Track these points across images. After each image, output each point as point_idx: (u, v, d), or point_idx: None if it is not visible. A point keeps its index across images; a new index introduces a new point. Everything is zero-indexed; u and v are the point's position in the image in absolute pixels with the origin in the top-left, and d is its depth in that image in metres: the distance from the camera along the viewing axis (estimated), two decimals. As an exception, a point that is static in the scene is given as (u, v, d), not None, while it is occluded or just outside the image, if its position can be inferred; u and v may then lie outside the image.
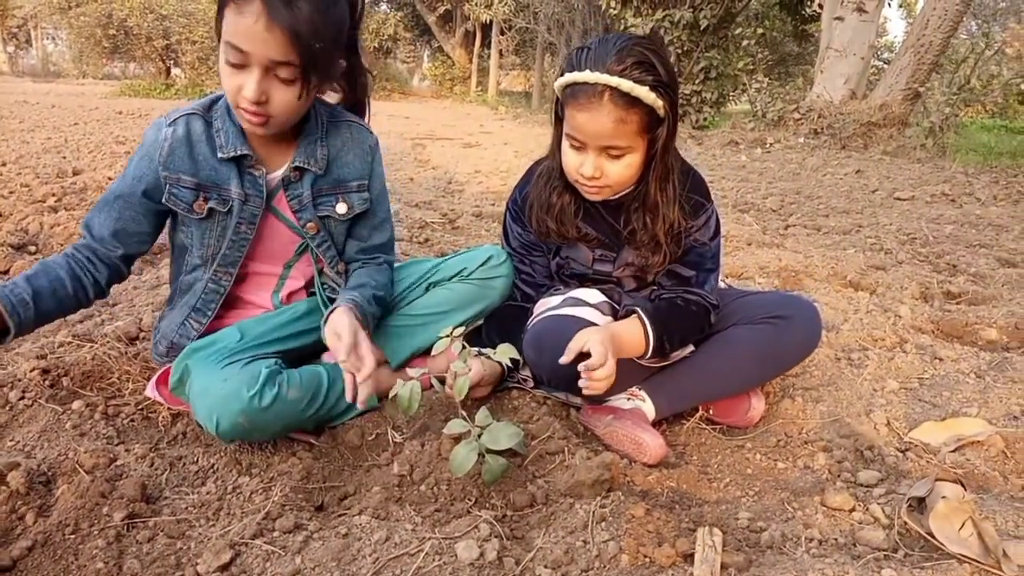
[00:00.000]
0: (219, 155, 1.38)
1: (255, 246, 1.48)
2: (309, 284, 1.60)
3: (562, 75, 1.37)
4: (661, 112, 1.34)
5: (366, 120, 1.59)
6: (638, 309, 1.46)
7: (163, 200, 1.38)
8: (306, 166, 1.44)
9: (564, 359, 1.32)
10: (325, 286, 1.57)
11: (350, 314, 1.36)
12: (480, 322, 1.70)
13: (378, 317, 1.52)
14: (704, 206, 1.52)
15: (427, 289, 1.66)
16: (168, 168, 1.37)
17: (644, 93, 1.29)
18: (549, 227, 1.54)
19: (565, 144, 1.43)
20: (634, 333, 1.45)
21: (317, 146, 1.45)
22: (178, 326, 1.48)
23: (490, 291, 1.65)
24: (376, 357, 1.61)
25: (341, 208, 1.49)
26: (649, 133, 1.37)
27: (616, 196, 1.49)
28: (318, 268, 1.57)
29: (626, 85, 1.28)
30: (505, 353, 1.29)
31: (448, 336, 1.29)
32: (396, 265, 1.70)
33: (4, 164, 4.49)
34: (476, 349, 1.36)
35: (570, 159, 1.43)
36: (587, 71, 1.31)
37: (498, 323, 1.68)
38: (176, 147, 1.37)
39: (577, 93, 1.33)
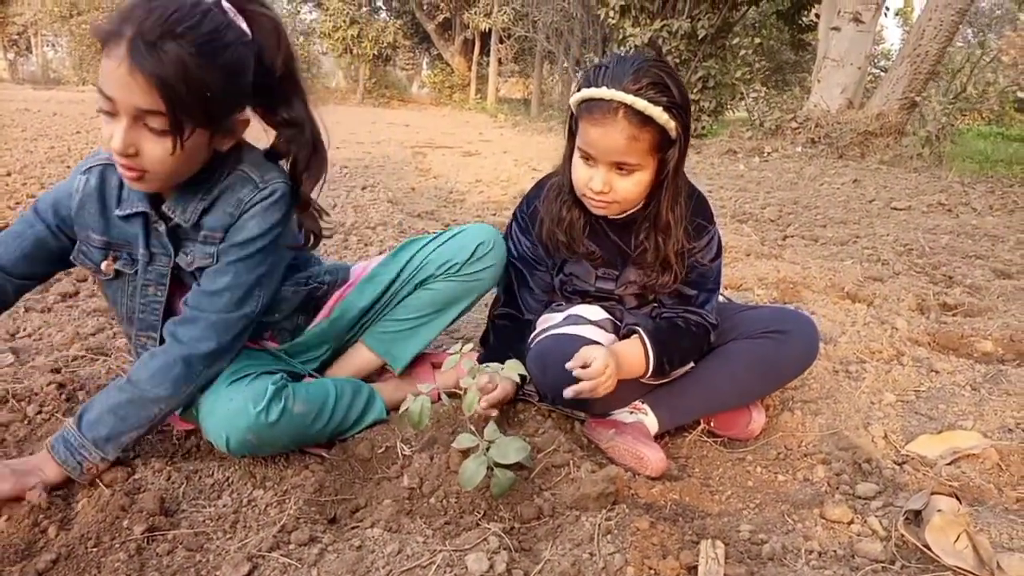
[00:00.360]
0: (117, 212, 1.30)
1: (176, 301, 1.39)
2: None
3: (578, 91, 1.41)
4: (673, 133, 1.38)
5: (312, 179, 1.38)
6: (640, 329, 1.50)
7: (72, 258, 1.35)
8: (172, 216, 1.30)
9: (570, 364, 1.35)
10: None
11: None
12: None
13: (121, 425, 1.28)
14: (707, 227, 1.55)
15: (415, 288, 1.62)
16: (79, 224, 1.32)
17: (658, 113, 1.33)
18: (559, 240, 1.57)
19: (576, 158, 1.47)
20: (635, 353, 1.48)
21: (191, 197, 1.30)
22: None
23: (479, 283, 1.64)
24: (376, 365, 1.66)
25: (188, 260, 1.34)
26: (660, 153, 1.41)
27: (623, 215, 1.53)
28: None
29: (640, 104, 1.32)
30: (514, 369, 1.32)
31: (458, 353, 1.32)
32: (375, 265, 1.65)
33: (9, 174, 4.52)
34: (484, 365, 1.38)
35: (580, 173, 1.47)
36: (603, 88, 1.34)
37: (501, 338, 1.70)
38: (86, 201, 1.31)
39: (592, 108, 1.37)
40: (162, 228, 1.31)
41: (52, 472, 1.23)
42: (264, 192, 1.31)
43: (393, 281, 1.62)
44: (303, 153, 1.35)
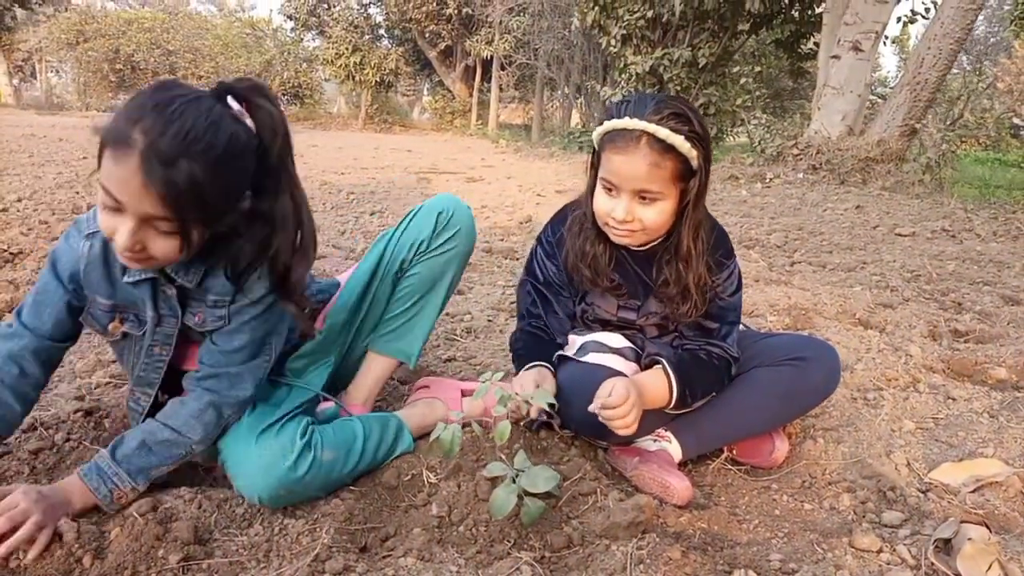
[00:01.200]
0: (126, 278, 1.30)
1: (185, 355, 1.43)
2: None
3: (601, 124, 1.45)
4: (694, 163, 1.41)
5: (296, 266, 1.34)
6: (663, 360, 1.51)
7: (80, 319, 1.36)
8: (175, 277, 1.31)
9: (593, 407, 1.36)
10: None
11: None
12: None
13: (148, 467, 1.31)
14: (728, 259, 1.57)
15: (396, 279, 1.63)
16: (87, 287, 1.33)
17: (679, 142, 1.37)
18: (584, 275, 1.58)
19: (598, 188, 1.49)
20: (658, 384, 1.49)
21: (196, 261, 1.30)
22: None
23: (455, 250, 1.62)
24: (392, 367, 1.68)
25: (198, 319, 1.36)
26: (682, 183, 1.43)
27: (645, 246, 1.55)
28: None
29: (663, 132, 1.36)
30: (543, 397, 1.33)
31: (488, 381, 1.34)
32: (351, 275, 1.66)
33: (20, 200, 4.55)
34: (513, 392, 1.39)
35: (602, 203, 1.49)
36: (626, 118, 1.39)
37: (528, 344, 1.67)
38: (92, 267, 1.31)
39: (615, 138, 1.41)
40: (171, 291, 1.32)
41: (80, 499, 1.23)
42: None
43: (372, 277, 1.62)
44: (284, 246, 1.29)
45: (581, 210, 1.59)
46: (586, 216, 1.57)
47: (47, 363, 1.37)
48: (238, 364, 1.37)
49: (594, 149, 1.51)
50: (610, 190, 1.46)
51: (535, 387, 1.45)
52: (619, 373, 1.51)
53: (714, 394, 1.59)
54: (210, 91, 1.16)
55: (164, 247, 1.15)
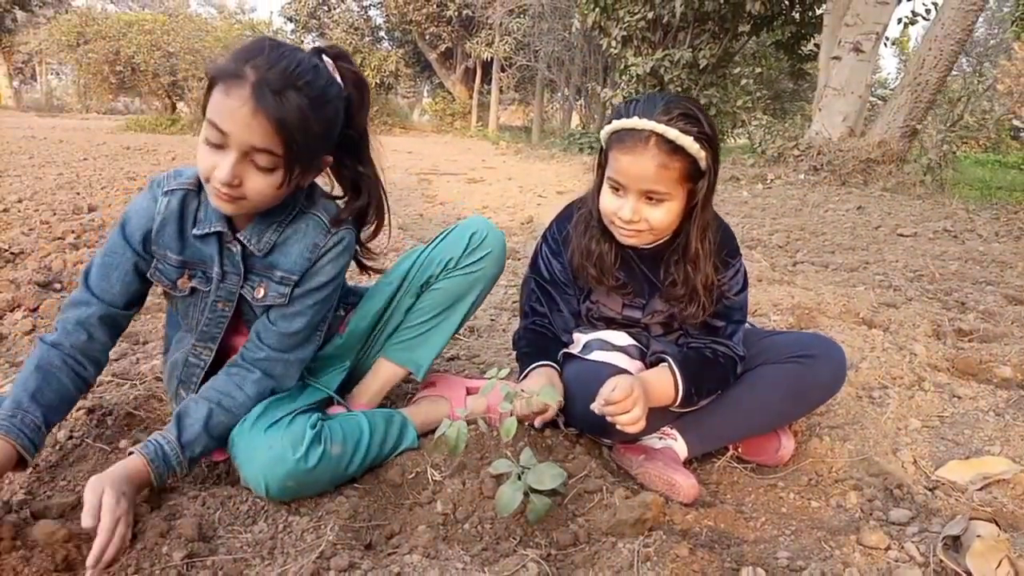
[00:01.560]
0: (195, 230, 1.37)
1: (237, 320, 1.48)
2: None
3: (609, 123, 1.43)
4: (703, 163, 1.40)
5: (375, 229, 1.54)
6: (668, 358, 1.50)
7: (148, 275, 1.40)
8: (247, 243, 1.38)
9: (595, 406, 1.35)
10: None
11: (116, 486, 1.15)
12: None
13: (204, 449, 1.34)
14: (734, 258, 1.56)
15: (420, 291, 1.63)
16: (157, 243, 1.38)
17: (688, 143, 1.35)
18: (590, 274, 1.57)
19: (605, 188, 1.48)
20: (664, 381, 1.48)
21: (267, 229, 1.38)
22: (172, 396, 1.52)
23: (482, 272, 1.61)
24: (400, 376, 1.67)
25: (259, 293, 1.41)
26: (689, 183, 1.42)
27: (652, 245, 1.54)
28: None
29: (672, 133, 1.34)
30: (550, 395, 1.32)
31: (495, 377, 1.33)
32: (380, 277, 1.68)
33: (20, 200, 4.55)
34: (519, 388, 1.39)
35: (608, 202, 1.47)
36: (635, 118, 1.37)
37: (533, 343, 1.66)
38: (167, 222, 1.37)
39: (624, 137, 1.39)
40: (236, 248, 1.39)
41: (139, 482, 1.23)
42: (335, 239, 1.42)
43: (397, 289, 1.63)
44: (372, 205, 1.49)
45: (587, 208, 1.58)
46: (592, 215, 1.55)
47: (114, 329, 1.41)
48: (294, 348, 1.44)
49: (601, 147, 1.49)
50: (617, 189, 1.45)
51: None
52: (624, 371, 1.50)
53: (720, 392, 1.58)
54: (317, 52, 1.30)
55: (261, 184, 1.24)
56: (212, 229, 1.37)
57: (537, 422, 1.47)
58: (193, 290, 1.42)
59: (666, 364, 1.50)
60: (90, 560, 1.06)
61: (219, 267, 1.39)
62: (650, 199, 1.42)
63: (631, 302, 1.62)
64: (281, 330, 1.42)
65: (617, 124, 1.41)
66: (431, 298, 1.62)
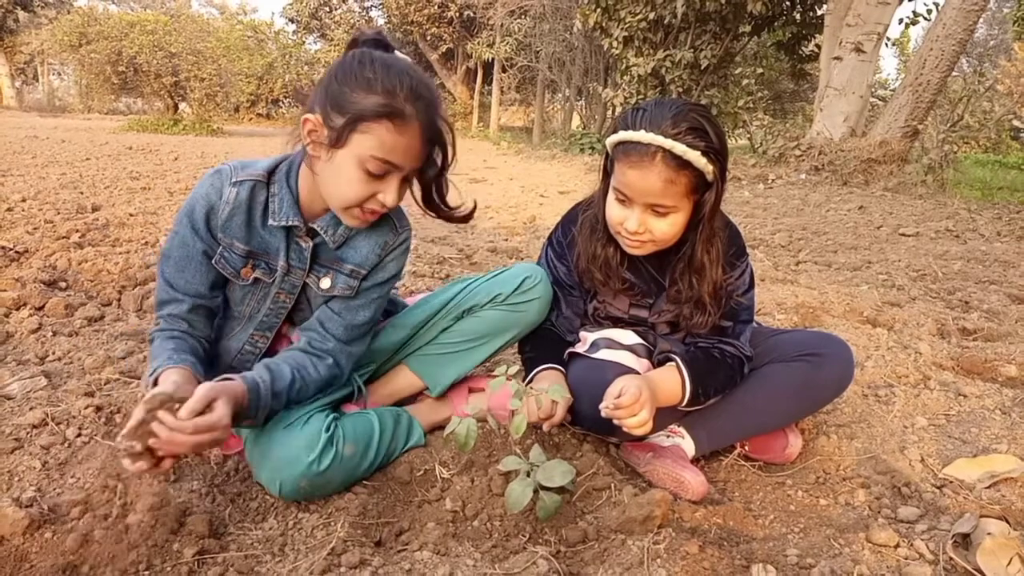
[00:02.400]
0: (270, 222, 1.40)
1: (294, 311, 1.52)
2: None
3: (615, 132, 1.42)
4: (710, 177, 1.38)
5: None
6: (676, 357, 1.49)
7: (213, 262, 1.41)
8: (323, 234, 1.42)
9: (603, 409, 1.35)
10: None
11: (228, 394, 1.21)
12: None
13: (272, 411, 1.36)
14: (741, 258, 1.55)
15: (461, 316, 1.65)
16: (224, 232, 1.40)
17: (696, 157, 1.33)
18: (596, 277, 1.57)
19: (611, 197, 1.47)
20: (671, 381, 1.48)
21: (340, 224, 1.43)
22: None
23: (524, 315, 1.63)
24: (416, 387, 1.67)
25: (325, 283, 1.46)
26: (696, 195, 1.41)
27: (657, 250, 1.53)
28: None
29: (679, 148, 1.32)
30: (559, 393, 1.33)
31: (504, 375, 1.33)
32: (426, 294, 1.73)
33: (24, 200, 4.55)
34: (529, 387, 1.39)
35: (614, 212, 1.46)
36: (642, 131, 1.34)
37: (538, 346, 1.68)
38: (236, 212, 1.39)
39: (629, 151, 1.37)
40: (307, 244, 1.43)
41: (238, 403, 1.24)
42: (401, 237, 1.49)
43: (439, 310, 1.65)
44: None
45: (592, 212, 1.57)
46: (598, 219, 1.55)
47: (209, 311, 1.45)
48: (355, 340, 1.50)
49: (607, 154, 1.48)
50: (623, 201, 1.44)
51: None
52: (631, 370, 1.50)
53: (727, 391, 1.58)
54: (373, 42, 1.34)
55: (401, 194, 1.34)
56: (288, 222, 1.39)
57: (545, 427, 1.47)
58: (255, 280, 1.44)
59: (673, 364, 1.50)
60: (189, 427, 1.11)
61: (284, 260, 1.43)
62: (656, 212, 1.41)
63: (638, 302, 1.62)
64: (347, 321, 1.47)
65: (623, 136, 1.38)
66: (469, 324, 1.64)
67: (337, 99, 1.25)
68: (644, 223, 1.42)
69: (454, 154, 1.39)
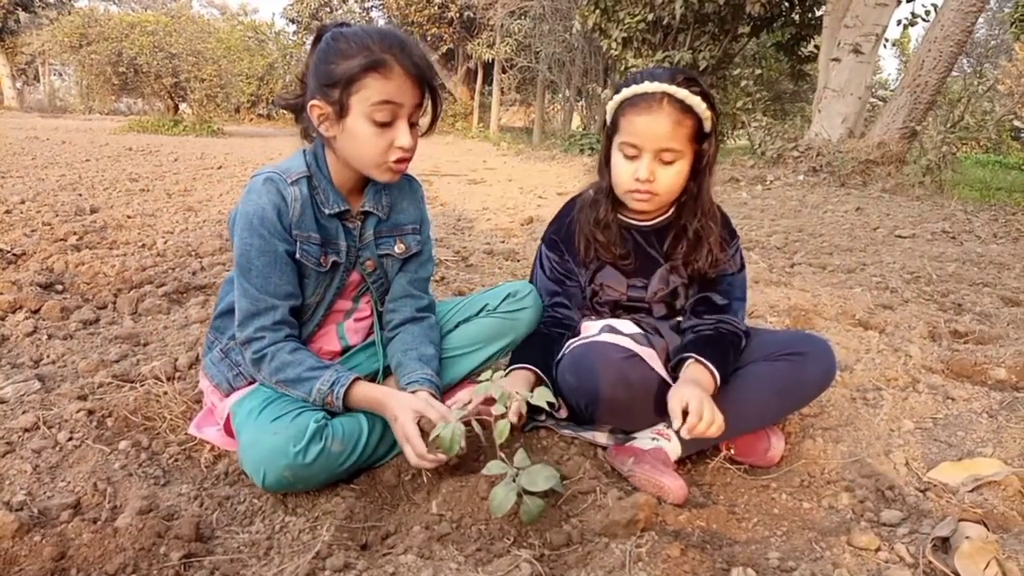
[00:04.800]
0: (326, 211, 1.50)
1: (354, 288, 1.65)
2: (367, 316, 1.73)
3: (617, 93, 1.55)
4: (707, 124, 1.52)
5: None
6: (693, 356, 1.55)
7: (296, 256, 1.47)
8: (373, 211, 1.56)
9: (675, 426, 1.40)
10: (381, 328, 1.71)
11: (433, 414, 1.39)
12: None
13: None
14: (732, 238, 1.67)
15: (456, 326, 1.74)
16: (299, 227, 1.47)
17: (696, 102, 1.49)
18: (598, 241, 1.66)
19: (618, 156, 1.57)
20: (706, 377, 1.53)
21: (382, 195, 1.58)
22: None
23: (516, 323, 1.71)
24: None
25: (399, 248, 1.62)
26: (697, 143, 1.53)
27: (655, 221, 1.63)
28: (378, 310, 1.68)
29: (682, 93, 1.48)
30: (543, 397, 1.34)
31: (488, 380, 1.34)
32: None
33: (23, 201, 4.57)
34: (515, 391, 1.40)
35: (623, 169, 1.57)
36: (646, 83, 1.49)
37: (521, 347, 1.73)
38: (304, 207, 1.47)
39: (637, 101, 1.51)
40: (354, 225, 1.55)
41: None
42: (419, 183, 1.71)
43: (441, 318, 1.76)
44: None
45: (592, 190, 1.68)
46: (601, 189, 1.65)
47: (298, 315, 1.53)
48: (428, 291, 1.72)
49: (605, 122, 1.59)
50: (632, 156, 1.54)
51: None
52: (629, 351, 1.53)
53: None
54: (338, 25, 1.45)
55: (416, 138, 1.46)
56: (339, 208, 1.51)
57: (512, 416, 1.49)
58: (333, 264, 1.53)
59: (698, 363, 1.54)
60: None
61: (345, 241, 1.54)
62: (663, 160, 1.52)
63: (634, 281, 1.68)
64: (423, 275, 1.69)
65: (629, 91, 1.52)
66: (465, 331, 1.73)
67: (326, 76, 1.37)
68: (653, 171, 1.53)
69: (439, 88, 1.51)
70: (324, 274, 1.54)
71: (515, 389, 1.45)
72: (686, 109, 1.49)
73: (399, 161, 1.44)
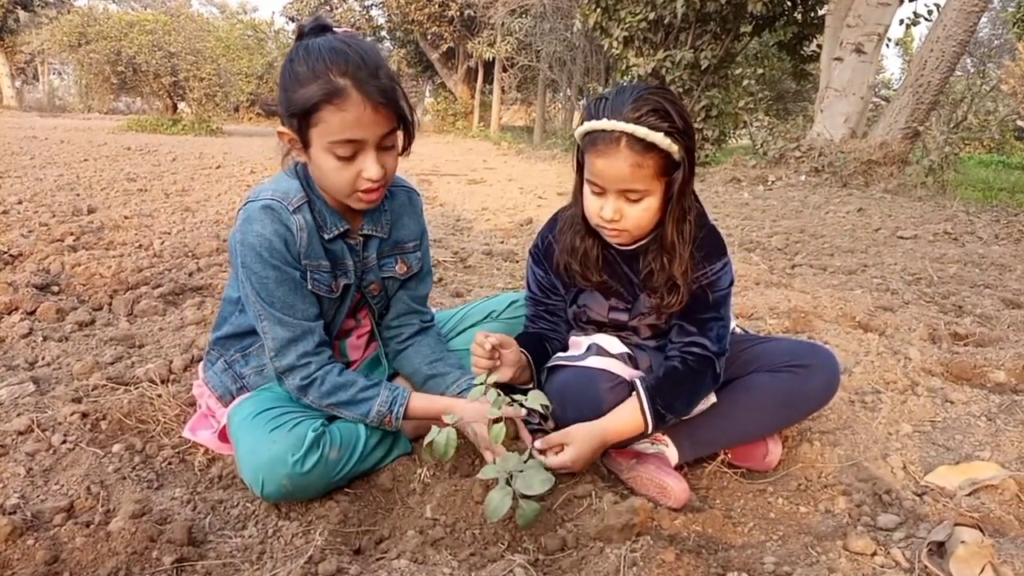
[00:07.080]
0: (326, 235, 1.45)
1: (358, 305, 1.64)
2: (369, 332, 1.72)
3: (582, 124, 1.44)
4: (677, 157, 1.39)
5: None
6: (638, 383, 1.48)
7: (309, 287, 1.44)
8: (373, 233, 1.54)
9: (538, 446, 1.44)
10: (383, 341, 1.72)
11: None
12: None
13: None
14: (721, 257, 1.54)
15: (461, 332, 1.76)
16: (308, 256, 1.43)
17: (659, 139, 1.35)
18: (574, 270, 1.59)
19: (586, 190, 1.49)
20: (631, 414, 1.47)
21: (380, 213, 1.55)
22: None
23: (519, 330, 1.71)
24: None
25: (401, 268, 1.61)
26: (666, 176, 1.42)
27: (636, 244, 1.54)
28: (377, 325, 1.68)
29: (641, 131, 1.34)
30: (536, 400, 1.33)
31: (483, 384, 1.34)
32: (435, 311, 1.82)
33: (20, 202, 4.57)
34: (509, 397, 1.39)
35: (591, 204, 1.48)
36: (604, 119, 1.37)
37: (523, 336, 1.69)
38: (310, 235, 1.43)
39: (596, 140, 1.39)
40: (355, 242, 1.52)
41: None
42: (417, 195, 1.67)
43: (443, 325, 1.81)
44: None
45: (572, 210, 1.60)
46: (576, 214, 1.57)
47: (327, 334, 1.49)
48: (428, 308, 1.73)
49: (578, 147, 1.50)
50: (597, 193, 1.46)
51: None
52: (620, 377, 1.51)
53: (715, 399, 1.57)
54: (317, 28, 1.37)
55: (393, 162, 1.39)
56: (340, 230, 1.47)
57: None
58: (345, 288, 1.52)
59: (633, 396, 1.48)
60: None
61: (351, 261, 1.52)
62: (629, 198, 1.43)
63: (616, 304, 1.62)
64: (422, 292, 1.68)
65: (588, 126, 1.41)
66: (471, 336, 1.67)
67: (287, 105, 1.31)
68: (619, 210, 1.44)
69: (409, 106, 1.39)
70: (336, 298, 1.52)
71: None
72: (648, 147, 1.35)
73: (368, 191, 1.37)
